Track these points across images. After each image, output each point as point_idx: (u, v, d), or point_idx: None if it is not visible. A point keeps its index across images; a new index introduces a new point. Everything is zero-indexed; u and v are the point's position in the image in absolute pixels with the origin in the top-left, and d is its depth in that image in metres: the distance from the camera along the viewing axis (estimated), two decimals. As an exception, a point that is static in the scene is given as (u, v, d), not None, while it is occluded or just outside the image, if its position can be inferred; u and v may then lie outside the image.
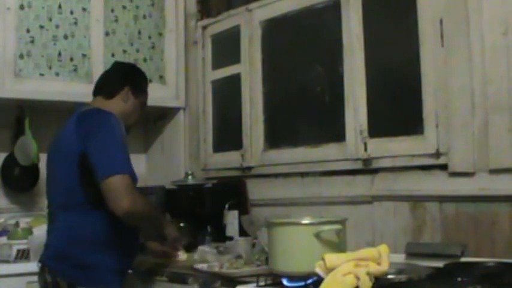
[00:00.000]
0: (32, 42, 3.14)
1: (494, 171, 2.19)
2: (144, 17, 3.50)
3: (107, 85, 2.58)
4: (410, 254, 2.13)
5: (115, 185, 2.22)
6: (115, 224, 2.35)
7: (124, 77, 2.60)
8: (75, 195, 2.34)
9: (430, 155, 2.43)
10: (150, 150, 3.81)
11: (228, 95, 3.51)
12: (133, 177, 2.31)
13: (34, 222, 3.11)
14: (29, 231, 2.98)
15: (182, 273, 2.45)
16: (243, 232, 2.92)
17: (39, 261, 2.43)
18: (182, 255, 2.70)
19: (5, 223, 3.14)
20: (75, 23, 3.26)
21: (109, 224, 2.34)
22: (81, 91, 3.12)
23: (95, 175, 2.26)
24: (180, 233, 2.83)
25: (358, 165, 2.71)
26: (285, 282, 1.87)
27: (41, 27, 3.17)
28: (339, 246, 1.87)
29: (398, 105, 2.64)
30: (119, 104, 2.53)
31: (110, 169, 2.24)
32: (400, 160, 2.54)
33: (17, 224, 3.08)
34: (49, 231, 2.47)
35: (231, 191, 3.22)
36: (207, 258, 2.54)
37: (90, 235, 2.34)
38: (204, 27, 3.67)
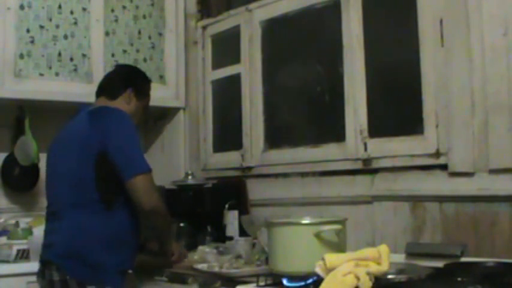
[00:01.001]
0: (32, 42, 3.13)
1: (494, 171, 2.19)
2: (144, 17, 3.50)
3: (109, 86, 2.59)
4: (410, 254, 2.13)
5: (143, 182, 2.33)
6: (124, 224, 2.37)
7: (127, 79, 2.61)
8: (88, 193, 2.34)
9: (430, 155, 2.43)
10: (150, 150, 3.80)
11: (228, 95, 3.51)
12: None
13: (34, 222, 3.11)
14: (29, 231, 2.98)
15: (182, 273, 2.45)
16: (243, 232, 2.92)
17: (41, 260, 2.41)
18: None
19: (5, 223, 3.14)
20: (75, 23, 3.26)
21: (119, 224, 2.36)
22: (81, 91, 3.13)
23: (120, 174, 2.32)
24: (180, 233, 2.83)
25: (358, 165, 2.71)
26: (285, 282, 1.87)
27: (41, 27, 3.16)
28: (339, 246, 1.87)
29: (398, 105, 2.64)
30: (121, 105, 2.53)
31: (136, 168, 2.34)
32: (400, 160, 2.54)
33: (17, 224, 3.07)
34: (52, 230, 2.43)
35: (231, 191, 3.22)
36: (207, 258, 2.54)
37: (102, 234, 2.33)
38: (204, 27, 3.66)
